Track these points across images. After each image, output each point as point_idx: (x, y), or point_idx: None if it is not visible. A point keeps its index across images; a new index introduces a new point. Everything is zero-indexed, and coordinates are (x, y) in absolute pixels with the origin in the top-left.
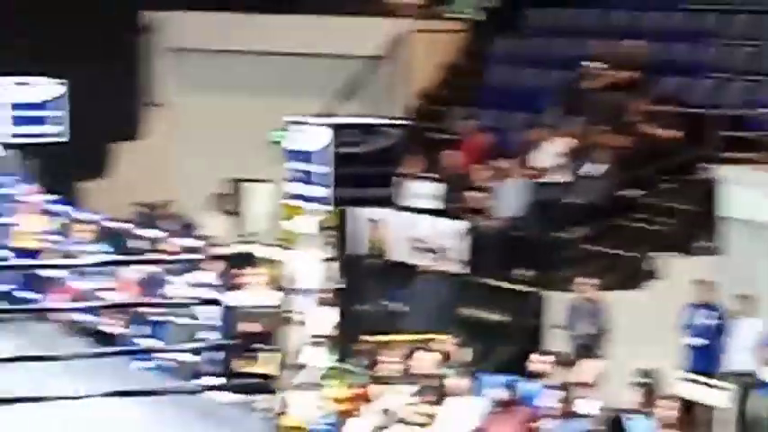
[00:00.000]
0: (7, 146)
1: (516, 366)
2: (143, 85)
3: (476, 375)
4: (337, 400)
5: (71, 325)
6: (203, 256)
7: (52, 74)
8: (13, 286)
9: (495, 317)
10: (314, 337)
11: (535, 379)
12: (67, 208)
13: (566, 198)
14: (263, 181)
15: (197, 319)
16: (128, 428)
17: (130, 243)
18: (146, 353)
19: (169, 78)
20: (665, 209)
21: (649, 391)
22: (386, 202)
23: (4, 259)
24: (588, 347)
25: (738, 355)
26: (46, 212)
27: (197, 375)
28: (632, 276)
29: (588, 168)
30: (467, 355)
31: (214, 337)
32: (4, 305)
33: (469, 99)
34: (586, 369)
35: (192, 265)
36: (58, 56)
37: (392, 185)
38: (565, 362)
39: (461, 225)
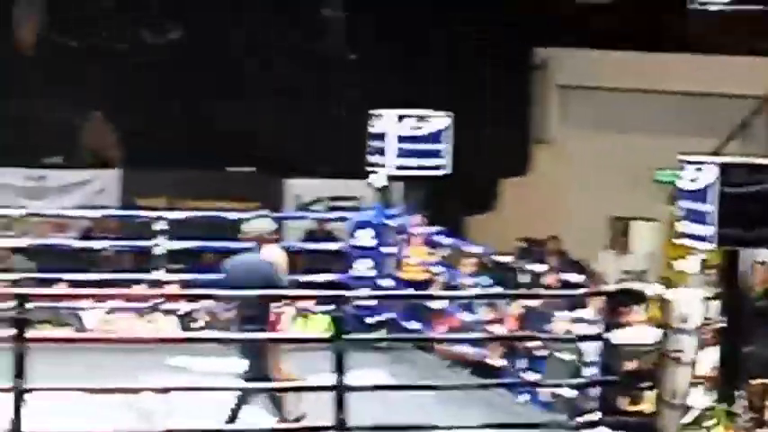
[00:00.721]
0: (392, 177)
1: None
2: (531, 121)
3: None
4: None
5: (452, 356)
6: (587, 292)
7: (439, 107)
8: (397, 316)
9: None
10: (695, 377)
11: None
12: (452, 240)
13: None
14: (647, 219)
15: (580, 354)
16: None
17: (512, 276)
18: (525, 386)
19: (556, 115)
20: None
21: None
22: None
23: (390, 289)
24: None
25: None
26: (431, 244)
27: (575, 411)
28: None
29: None
30: None
31: (591, 373)
32: (387, 334)
33: None
34: None
35: (576, 301)
36: (445, 89)
37: None
38: None
39: None
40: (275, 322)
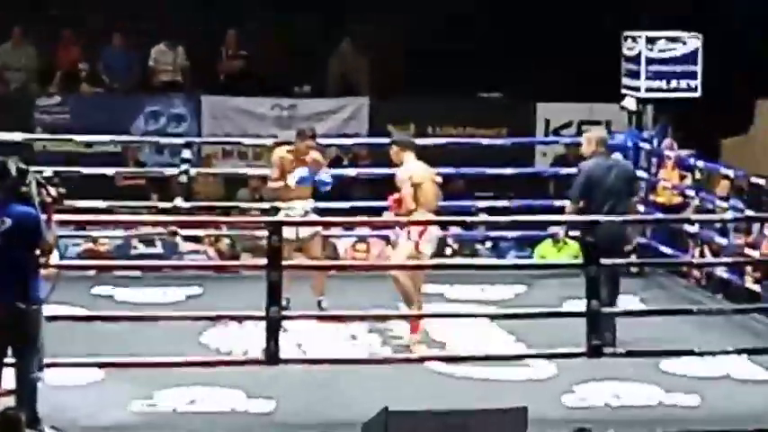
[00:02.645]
0: (644, 100)
1: None
2: None
3: None
4: None
5: (707, 281)
6: None
7: (688, 28)
8: (653, 241)
9: None
10: None
11: None
12: (705, 163)
13: None
14: None
15: None
16: (756, 388)
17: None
18: None
19: None
20: None
21: None
22: None
23: (643, 213)
24: None
25: None
26: (684, 167)
27: None
28: None
29: None
30: None
31: None
32: (639, 258)
33: None
34: None
35: None
36: (695, 12)
37: None
38: None
39: None
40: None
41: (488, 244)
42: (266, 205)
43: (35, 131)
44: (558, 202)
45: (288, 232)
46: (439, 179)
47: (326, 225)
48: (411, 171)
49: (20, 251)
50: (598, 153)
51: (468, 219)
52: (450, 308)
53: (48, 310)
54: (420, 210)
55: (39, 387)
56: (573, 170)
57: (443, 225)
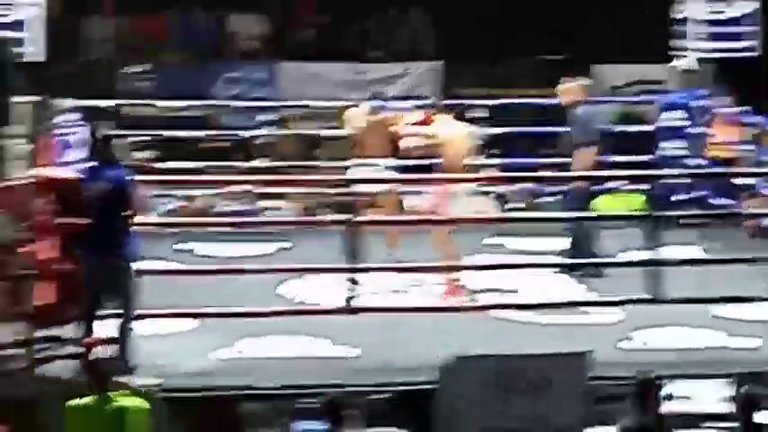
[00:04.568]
0: (703, 60)
1: None
2: None
3: None
4: None
5: (759, 231)
6: None
7: None
8: (708, 193)
9: None
10: None
11: None
12: (759, 119)
13: None
14: None
15: None
16: None
17: None
18: None
19: None
20: None
21: None
22: None
23: (698, 167)
24: None
25: None
26: (737, 123)
27: None
28: None
29: None
30: None
31: None
32: (699, 210)
33: None
34: None
35: None
36: None
37: None
38: None
39: None
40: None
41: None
42: (346, 163)
43: (123, 98)
44: (617, 157)
45: (362, 188)
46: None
47: (390, 182)
48: (437, 130)
49: (115, 212)
50: (581, 101)
51: (531, 174)
52: (512, 259)
53: (141, 264)
54: (447, 169)
55: (131, 337)
56: (632, 128)
57: (508, 180)
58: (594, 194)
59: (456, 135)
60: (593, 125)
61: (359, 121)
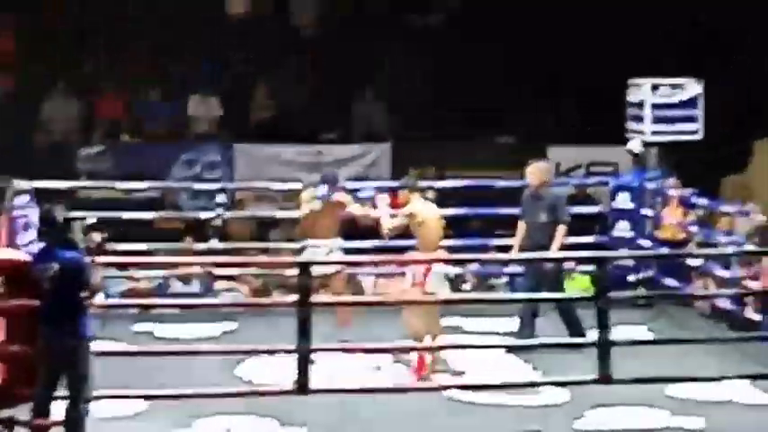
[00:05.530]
0: (648, 143)
1: None
2: None
3: None
4: None
5: (710, 311)
6: None
7: (688, 74)
8: (656, 274)
9: None
10: None
11: None
12: (706, 201)
13: None
14: None
15: None
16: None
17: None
18: None
19: None
20: None
21: None
22: None
23: (649, 248)
24: None
25: None
26: (686, 205)
27: None
28: None
29: None
30: None
31: None
32: (646, 291)
33: None
34: None
35: None
36: (694, 56)
37: None
38: None
39: None
40: (423, 282)
41: (504, 279)
42: (297, 245)
43: (78, 179)
44: (570, 239)
45: (314, 270)
46: (443, 216)
47: (348, 264)
48: (416, 209)
49: (69, 293)
50: (548, 183)
51: (485, 256)
52: (468, 339)
53: (94, 345)
54: (424, 248)
55: (86, 419)
56: (584, 209)
57: (461, 263)
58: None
59: (434, 214)
60: (562, 205)
61: (310, 203)
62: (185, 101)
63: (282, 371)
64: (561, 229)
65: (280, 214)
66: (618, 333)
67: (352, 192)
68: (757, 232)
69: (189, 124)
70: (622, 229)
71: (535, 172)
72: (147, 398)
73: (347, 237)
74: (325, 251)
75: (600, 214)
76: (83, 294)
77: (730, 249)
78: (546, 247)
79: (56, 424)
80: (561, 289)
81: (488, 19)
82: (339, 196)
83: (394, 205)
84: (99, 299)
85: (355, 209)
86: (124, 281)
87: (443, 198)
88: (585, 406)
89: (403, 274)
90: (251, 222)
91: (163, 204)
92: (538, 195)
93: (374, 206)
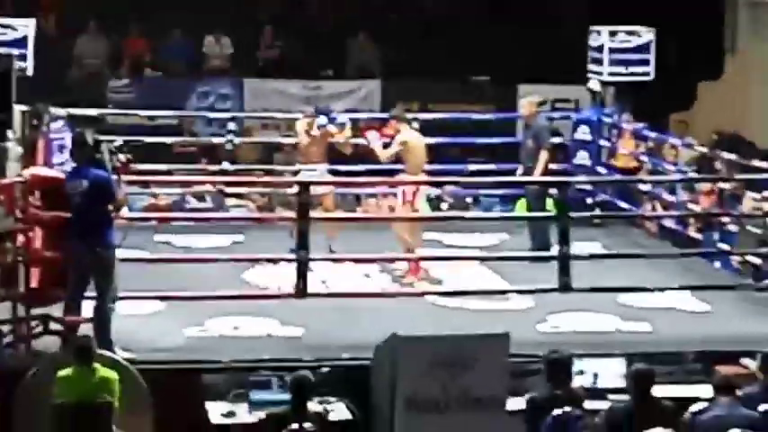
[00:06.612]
0: (605, 83)
1: None
2: (724, 33)
3: None
4: None
5: (658, 231)
6: None
7: (645, 23)
8: (611, 197)
9: None
10: None
11: None
12: (656, 134)
13: None
14: None
15: (766, 227)
16: (697, 318)
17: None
18: (719, 255)
19: (744, 28)
20: None
21: None
22: None
23: (605, 175)
24: None
25: None
26: (639, 137)
27: (761, 276)
28: None
29: None
30: None
31: None
32: (602, 212)
33: None
34: None
35: (763, 183)
36: (652, 7)
37: None
38: None
39: None
40: (412, 201)
41: (478, 200)
42: (296, 167)
43: (107, 107)
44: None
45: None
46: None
47: (341, 185)
48: (406, 137)
49: (97, 207)
50: (539, 113)
51: (461, 179)
52: (446, 252)
53: (119, 253)
54: (411, 171)
55: (112, 316)
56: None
57: (440, 184)
58: (518, 197)
59: (419, 142)
60: (547, 134)
61: (303, 133)
62: (201, 40)
63: (284, 277)
64: (543, 153)
65: (283, 140)
66: (577, 248)
67: (332, 120)
68: (697, 162)
69: (204, 61)
70: (582, 158)
71: (525, 105)
72: (164, 299)
73: (338, 162)
74: (317, 174)
75: (562, 144)
76: (109, 208)
77: (675, 176)
78: (532, 170)
79: (85, 321)
80: (544, 207)
81: None
82: (329, 127)
83: (383, 135)
84: (124, 212)
85: (340, 138)
86: (146, 197)
87: (426, 128)
88: (548, 311)
89: (394, 194)
90: (258, 147)
91: (181, 131)
92: (527, 125)
93: (362, 136)
